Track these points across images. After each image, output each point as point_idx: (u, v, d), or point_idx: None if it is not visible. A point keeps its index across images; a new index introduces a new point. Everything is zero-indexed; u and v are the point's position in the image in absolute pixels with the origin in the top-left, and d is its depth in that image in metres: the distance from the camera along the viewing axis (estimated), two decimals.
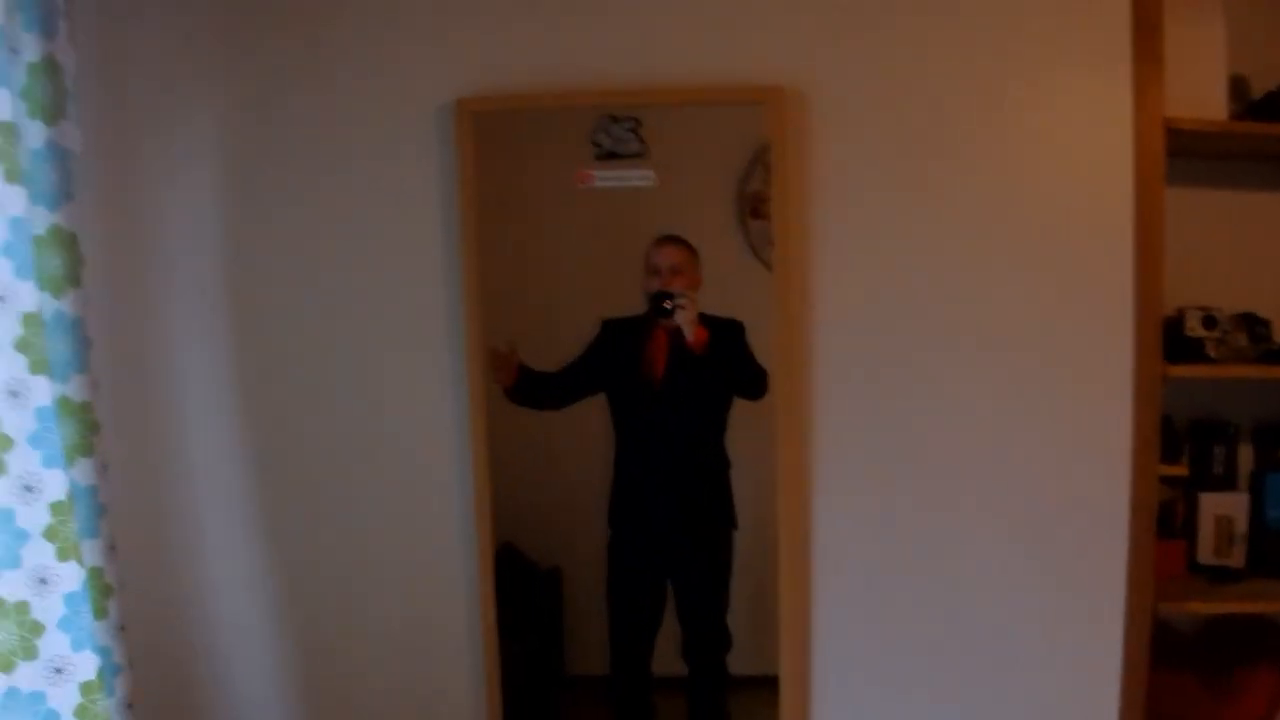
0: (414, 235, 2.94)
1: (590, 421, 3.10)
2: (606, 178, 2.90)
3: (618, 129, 2.89)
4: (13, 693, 2.04)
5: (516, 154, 2.93)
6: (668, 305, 2.93)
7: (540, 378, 3.01)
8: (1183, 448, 3.22)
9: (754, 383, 2.95)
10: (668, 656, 3.17)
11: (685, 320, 2.95)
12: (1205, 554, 3.21)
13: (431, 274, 2.94)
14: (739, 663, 3.14)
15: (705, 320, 2.97)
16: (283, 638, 3.06)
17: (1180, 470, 3.14)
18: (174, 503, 3.01)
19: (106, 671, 2.20)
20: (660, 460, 3.12)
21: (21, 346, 2.03)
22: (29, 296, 2.04)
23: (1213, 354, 3.05)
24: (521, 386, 2.98)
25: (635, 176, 2.89)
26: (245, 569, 3.04)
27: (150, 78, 2.93)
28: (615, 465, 3.11)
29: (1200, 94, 3.00)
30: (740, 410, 3.02)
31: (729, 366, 2.99)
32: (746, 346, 2.98)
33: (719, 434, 3.06)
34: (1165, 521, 3.14)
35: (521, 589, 3.14)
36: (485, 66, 2.89)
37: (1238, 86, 3.13)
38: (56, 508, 2.05)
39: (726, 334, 2.98)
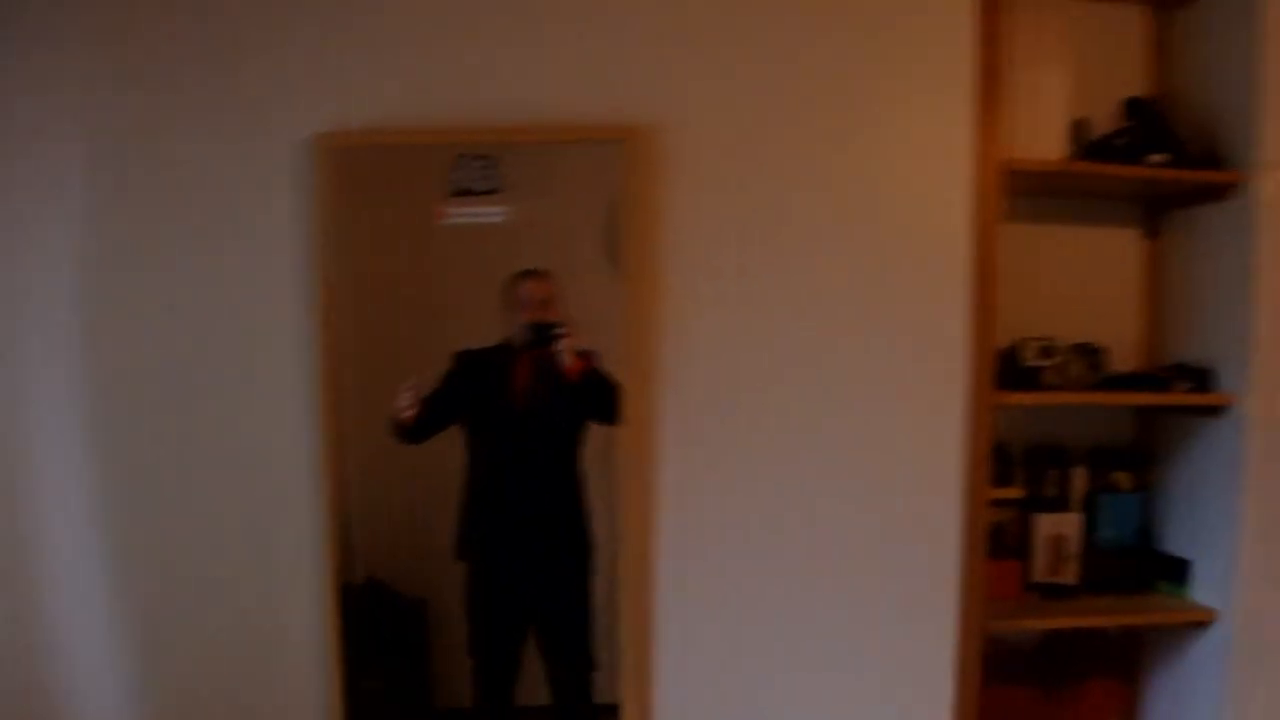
0: (271, 272, 2.92)
1: (451, 453, 3.09)
2: (460, 214, 2.94)
3: (474, 166, 2.93)
4: None
5: (377, 190, 2.96)
6: (552, 334, 2.96)
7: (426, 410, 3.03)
8: (1017, 471, 3.37)
9: (615, 407, 2.98)
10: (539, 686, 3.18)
11: (566, 348, 2.98)
12: (1039, 572, 3.36)
13: (288, 309, 2.93)
14: (606, 692, 3.14)
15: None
16: (126, 687, 3.03)
17: (1014, 492, 3.29)
18: (17, 530, 2.98)
19: None
20: (521, 489, 3.13)
21: None
22: None
23: (1050, 381, 3.19)
24: (419, 424, 2.99)
25: (487, 213, 2.94)
26: (91, 616, 3.00)
27: (5, 111, 2.90)
28: (469, 497, 3.09)
29: (1040, 136, 3.15)
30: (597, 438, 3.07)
31: (598, 392, 3.01)
32: (605, 373, 3.01)
33: (576, 458, 3.09)
34: (1000, 542, 3.30)
35: (386, 622, 3.14)
36: (344, 103, 2.90)
37: (1079, 129, 3.28)
38: None
39: (591, 360, 3.03)
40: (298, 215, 2.91)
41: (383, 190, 3.00)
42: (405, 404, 2.95)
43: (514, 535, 3.14)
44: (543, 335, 2.97)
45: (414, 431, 2.98)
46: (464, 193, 2.94)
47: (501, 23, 2.93)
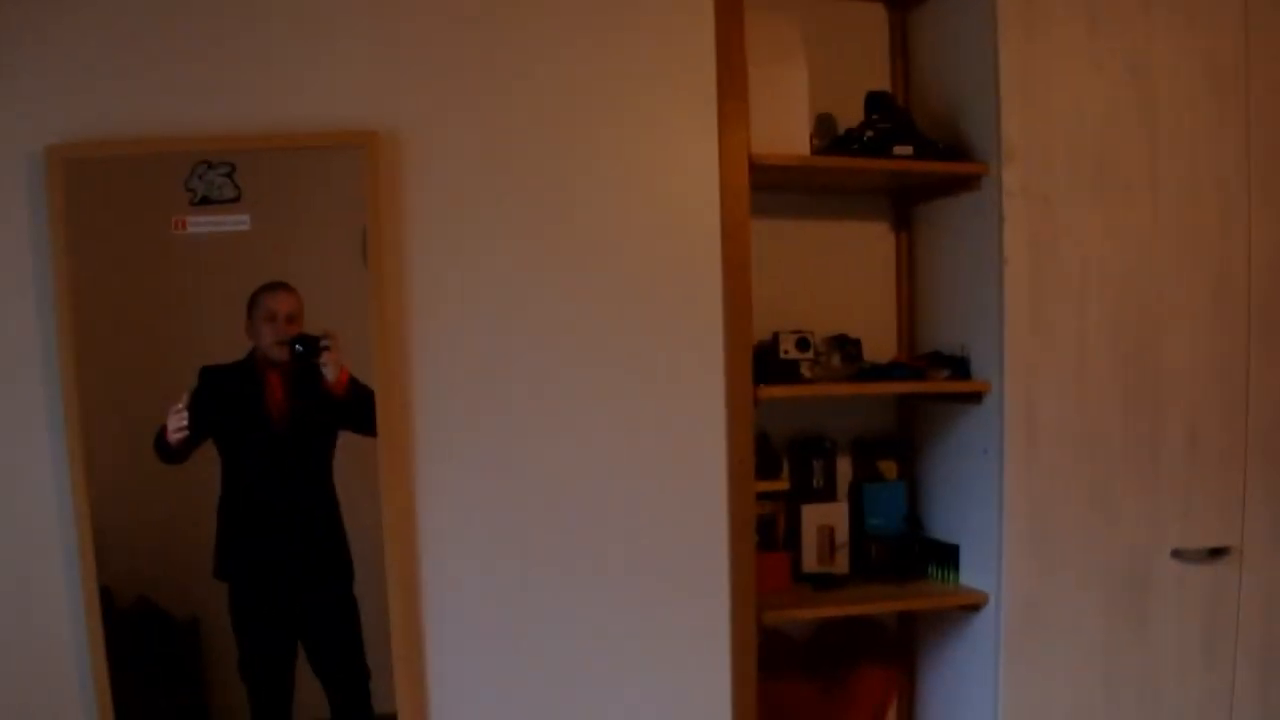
0: (9, 289, 2.80)
1: (213, 468, 2.99)
2: (200, 224, 2.86)
3: (212, 175, 2.85)
4: None
5: (114, 203, 2.86)
6: (318, 346, 2.88)
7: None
8: (782, 463, 3.40)
9: (372, 417, 2.93)
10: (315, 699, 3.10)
11: (331, 361, 2.91)
12: (810, 563, 3.40)
13: (26, 328, 2.80)
14: (384, 700, 3.08)
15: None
16: None
17: (781, 485, 3.31)
18: None
19: None
20: (276, 506, 3.06)
21: None
22: None
23: (807, 374, 3.23)
24: (186, 443, 2.89)
25: (229, 222, 2.86)
26: None
27: None
28: (221, 514, 3.00)
29: (784, 131, 3.17)
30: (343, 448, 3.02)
31: (361, 405, 2.94)
32: (364, 385, 2.96)
33: (329, 474, 3.03)
34: (768, 534, 3.32)
35: (157, 643, 3.04)
36: (77, 113, 2.79)
37: (825, 124, 3.34)
38: None
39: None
40: (34, 229, 2.79)
41: (122, 202, 2.90)
42: (175, 426, 2.86)
43: (271, 552, 3.07)
44: (309, 349, 2.90)
45: (178, 452, 2.89)
46: (204, 201, 2.85)
47: (238, 28, 2.86)
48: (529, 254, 2.98)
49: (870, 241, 3.61)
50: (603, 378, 3.02)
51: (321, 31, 2.89)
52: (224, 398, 2.98)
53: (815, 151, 3.26)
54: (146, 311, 2.95)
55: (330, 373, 2.92)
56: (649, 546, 3.05)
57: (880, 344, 3.51)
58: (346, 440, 2.99)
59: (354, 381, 2.94)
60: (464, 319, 2.96)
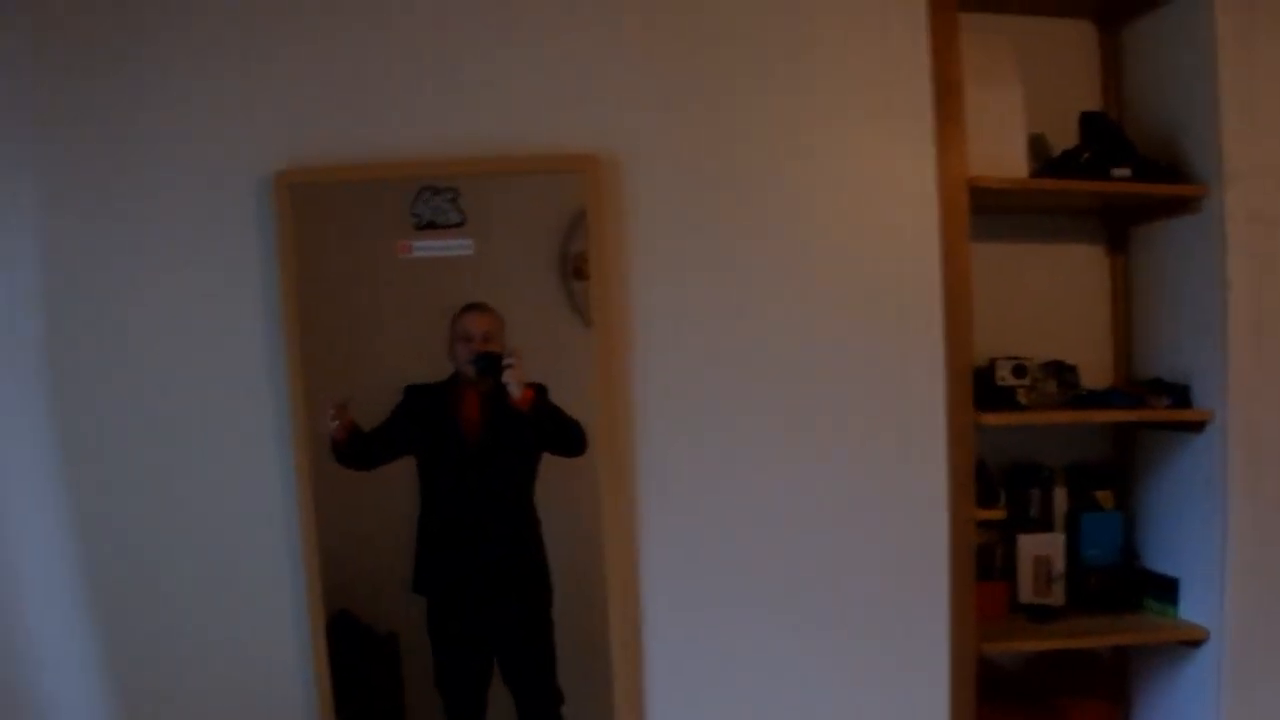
0: (236, 308, 2.88)
1: (413, 482, 3.05)
2: (425, 247, 2.90)
3: (437, 200, 2.88)
4: None
5: (338, 226, 2.91)
6: (500, 365, 2.90)
7: (366, 437, 2.97)
8: (999, 492, 3.29)
9: (576, 439, 2.95)
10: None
11: (514, 379, 2.93)
12: (1026, 593, 3.29)
13: (255, 347, 2.89)
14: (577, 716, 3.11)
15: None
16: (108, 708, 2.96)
17: (998, 514, 3.21)
18: None
19: None
20: (474, 523, 3.08)
21: None
22: None
23: (1024, 401, 3.14)
24: (351, 443, 2.94)
25: (454, 246, 2.89)
26: (72, 651, 2.91)
27: None
28: (420, 530, 3.05)
29: (1001, 153, 3.10)
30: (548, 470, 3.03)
31: (554, 424, 2.98)
32: (556, 405, 2.98)
33: (530, 494, 3.04)
34: (986, 563, 3.23)
35: (358, 656, 3.06)
36: (304, 139, 2.86)
37: (1038, 145, 3.26)
38: None
39: (541, 394, 2.99)
40: (263, 253, 2.87)
41: (345, 225, 2.95)
42: (329, 419, 2.91)
43: (469, 569, 3.09)
44: (489, 367, 2.92)
45: (351, 456, 2.94)
46: (428, 226, 2.89)
47: (460, 56, 2.90)
48: (745, 276, 2.96)
49: (1084, 265, 3.49)
50: (820, 401, 2.98)
51: (541, 57, 2.91)
52: (423, 415, 3.02)
53: (1031, 174, 3.17)
54: (362, 330, 3.00)
55: (514, 390, 2.93)
56: (867, 573, 2.99)
57: (1096, 369, 3.40)
58: (554, 462, 3.00)
59: (539, 400, 2.96)
60: (680, 340, 2.96)
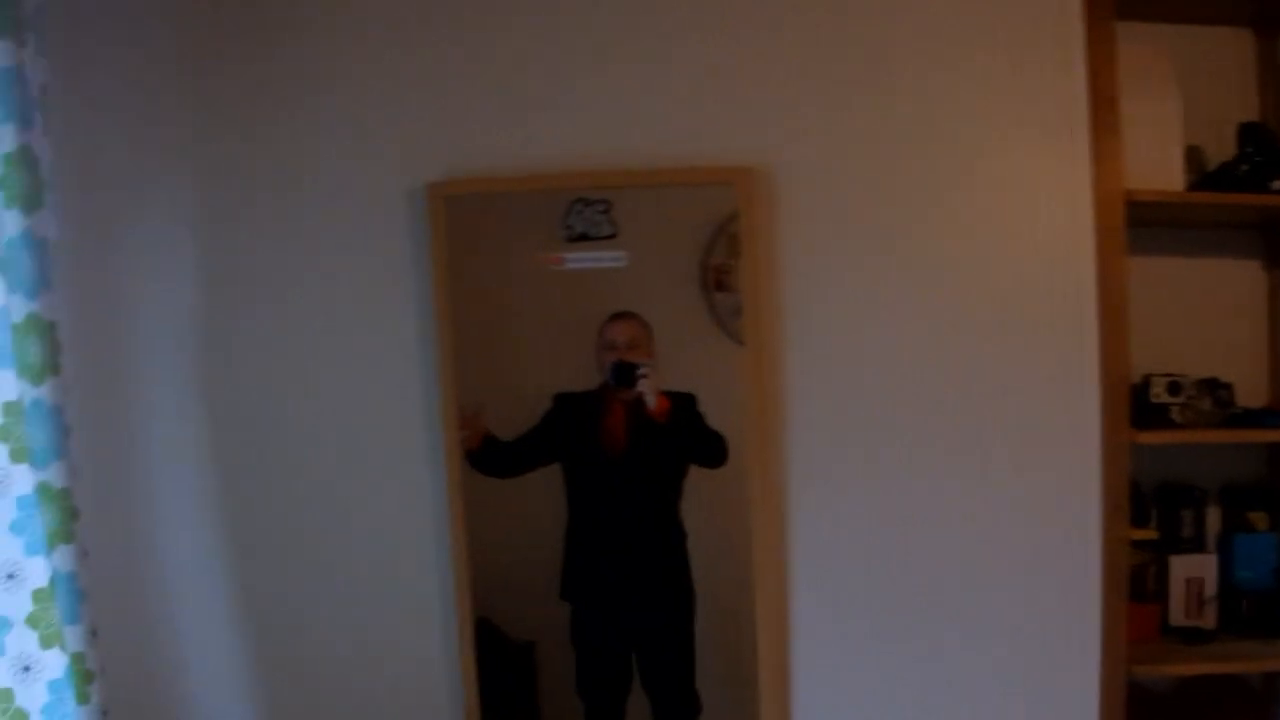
0: (388, 317, 2.92)
1: (558, 492, 3.07)
2: (577, 260, 2.91)
3: (590, 212, 2.89)
4: None
5: (489, 237, 2.93)
6: (634, 374, 2.91)
7: (503, 445, 2.99)
8: (1151, 511, 3.22)
9: (717, 450, 2.95)
10: None
11: (649, 388, 2.93)
12: (1177, 616, 3.20)
13: (407, 354, 2.92)
14: None
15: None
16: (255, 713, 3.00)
17: (1150, 534, 3.15)
18: (155, 588, 2.94)
19: None
20: (620, 532, 3.09)
21: (2, 435, 2.00)
22: (8, 384, 2.02)
23: (1178, 419, 3.05)
24: (485, 451, 2.96)
25: (607, 258, 2.90)
26: (224, 653, 2.97)
27: (123, 167, 2.89)
28: (569, 538, 3.07)
29: (1158, 165, 3.03)
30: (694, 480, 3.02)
31: (692, 434, 2.98)
32: (701, 416, 2.98)
33: (676, 505, 3.05)
34: (1137, 584, 3.14)
35: (495, 664, 3.08)
36: (456, 150, 2.89)
37: (1193, 157, 3.17)
38: (38, 595, 2.03)
39: (683, 404, 2.99)
40: (415, 263, 2.90)
41: (498, 236, 2.97)
42: (462, 427, 2.94)
43: (614, 578, 3.11)
44: (624, 376, 2.93)
45: (488, 463, 2.97)
46: (580, 238, 2.90)
47: (613, 69, 2.92)
48: (895, 289, 2.94)
49: (1240, 280, 3.37)
50: (973, 417, 2.95)
51: (694, 69, 2.92)
52: (571, 423, 3.03)
53: (1187, 186, 3.08)
54: (517, 340, 3.03)
55: (649, 400, 2.94)
56: (1016, 592, 2.96)
57: (1251, 387, 3.28)
58: (704, 474, 3.00)
59: (677, 411, 2.96)
60: (830, 354, 2.95)
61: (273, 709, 2.99)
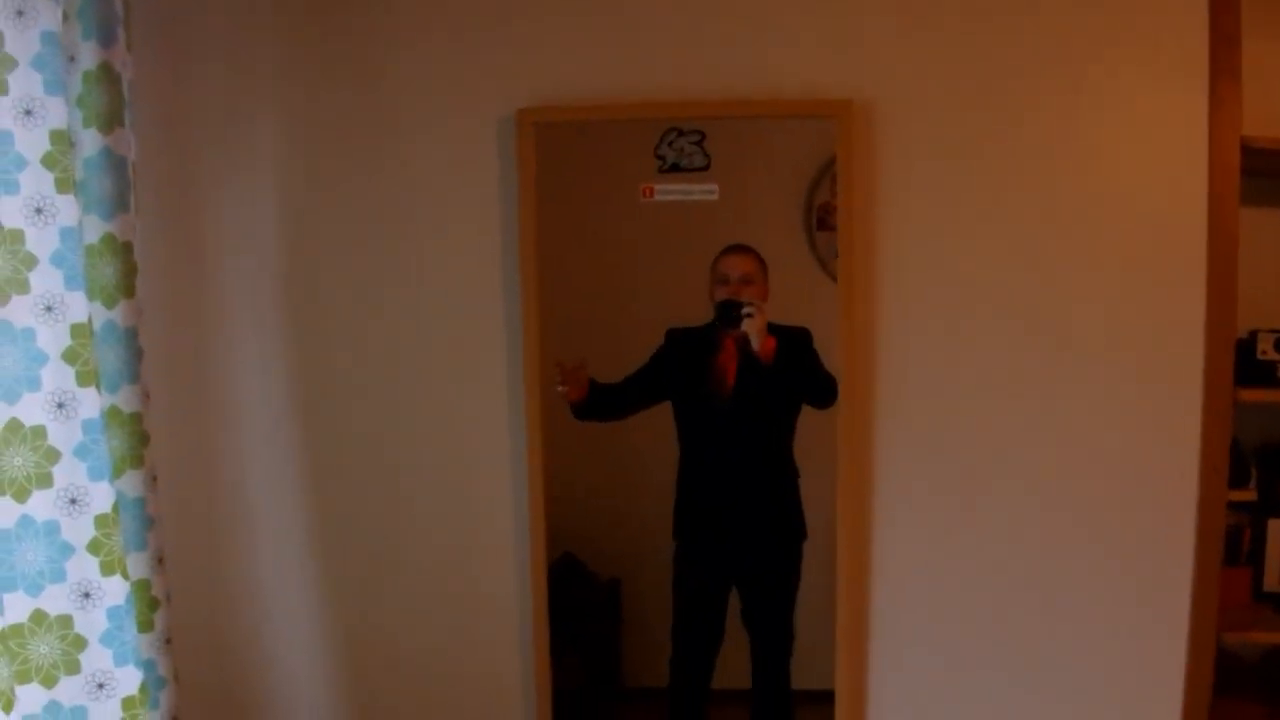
0: (475, 248, 2.82)
1: (651, 431, 2.97)
2: (669, 191, 2.78)
3: (682, 142, 2.76)
4: (54, 707, 1.92)
5: (580, 167, 2.81)
6: (738, 313, 2.81)
7: (607, 390, 2.90)
8: (1251, 472, 3.02)
9: (824, 391, 2.80)
10: (729, 670, 3.04)
11: (753, 328, 2.83)
12: (1272, 582, 3.02)
13: (492, 286, 2.82)
14: (803, 677, 3.01)
15: (773, 329, 2.85)
16: (333, 652, 2.95)
17: (1248, 495, 2.96)
18: (227, 515, 2.91)
19: (151, 685, 2.10)
20: (729, 471, 2.99)
21: (69, 357, 1.91)
22: (78, 306, 1.93)
23: None
24: (590, 401, 2.88)
25: (699, 190, 2.77)
26: (295, 584, 2.93)
27: (208, 89, 2.81)
28: (679, 476, 2.98)
29: (1277, 112, 2.82)
30: (812, 419, 2.88)
31: (798, 375, 2.87)
32: (815, 355, 2.85)
33: (787, 443, 2.94)
34: (1231, 548, 2.96)
35: (580, 600, 3.04)
36: (546, 77, 2.76)
37: None
38: (101, 521, 1.93)
39: (795, 342, 2.86)
40: (504, 193, 2.79)
41: (589, 166, 2.86)
42: (558, 383, 2.85)
43: (723, 518, 3.02)
44: (729, 315, 2.83)
45: (595, 410, 2.90)
46: (672, 169, 2.77)
47: None
48: (998, 231, 2.77)
49: None
50: (1068, 365, 2.78)
51: (792, 2, 2.75)
52: (682, 360, 2.94)
53: None
54: (608, 272, 2.94)
55: (754, 340, 2.83)
56: (1106, 549, 2.80)
57: None
58: (818, 413, 2.86)
59: (786, 350, 2.85)
60: (928, 293, 2.80)
61: (344, 641, 2.95)
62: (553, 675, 2.90)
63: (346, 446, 2.89)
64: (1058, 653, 2.83)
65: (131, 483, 2.10)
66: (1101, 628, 2.81)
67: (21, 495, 1.87)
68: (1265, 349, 2.86)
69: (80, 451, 1.92)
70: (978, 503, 2.82)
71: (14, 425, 1.86)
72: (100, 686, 1.96)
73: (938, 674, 2.87)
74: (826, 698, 2.89)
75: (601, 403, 2.91)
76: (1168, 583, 2.77)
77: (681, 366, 2.94)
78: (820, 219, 2.84)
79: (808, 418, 2.89)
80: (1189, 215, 2.71)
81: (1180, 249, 2.72)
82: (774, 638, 3.02)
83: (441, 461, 2.89)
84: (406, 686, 2.96)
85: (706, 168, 2.76)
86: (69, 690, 1.94)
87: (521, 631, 2.91)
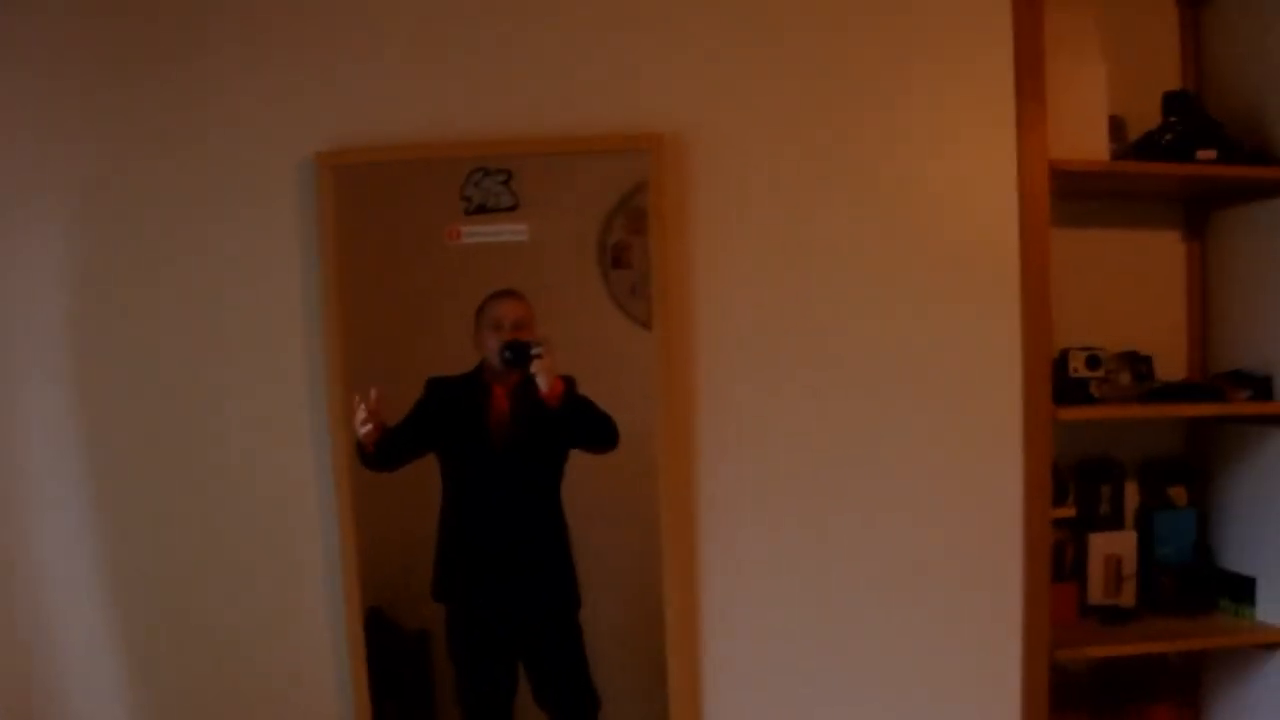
0: (274, 297, 2.70)
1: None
2: (476, 234, 2.69)
3: (489, 182, 2.67)
4: None
5: (384, 210, 2.72)
6: (528, 354, 2.68)
7: (391, 435, 2.74)
8: (1069, 488, 3.07)
9: (608, 434, 2.72)
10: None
11: (542, 369, 2.68)
12: (1095, 594, 3.06)
13: (294, 339, 2.70)
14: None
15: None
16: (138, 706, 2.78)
17: (1068, 512, 3.01)
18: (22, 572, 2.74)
19: None
20: (499, 524, 2.85)
21: None
22: None
23: (1096, 394, 2.89)
24: (382, 445, 2.71)
25: (507, 231, 2.69)
26: (93, 646, 2.75)
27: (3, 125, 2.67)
28: (440, 533, 2.82)
29: (1082, 134, 2.84)
30: (584, 466, 2.79)
31: (583, 418, 2.75)
32: (588, 399, 2.75)
33: (557, 492, 2.81)
34: (1056, 563, 2.98)
35: (389, 654, 2.87)
36: (347, 119, 2.66)
37: (1115, 127, 2.99)
38: None
39: (570, 386, 2.76)
40: (304, 239, 2.68)
41: (392, 210, 2.76)
42: (359, 420, 2.67)
43: (493, 574, 2.87)
44: (518, 355, 2.69)
45: (378, 457, 2.71)
46: (479, 210, 2.68)
47: (512, 32, 2.69)
48: (814, 259, 2.75)
49: (1159, 251, 3.22)
50: (891, 392, 2.76)
51: (597, 31, 2.71)
52: (446, 410, 2.80)
53: (1111, 156, 2.91)
54: (404, 320, 2.82)
55: (543, 382, 2.69)
56: (936, 574, 2.79)
57: (1170, 360, 3.14)
58: (578, 458, 2.79)
59: (570, 393, 2.73)
60: (743, 328, 2.75)
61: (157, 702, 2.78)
62: None
63: (147, 502, 2.74)
64: (892, 681, 2.81)
65: None
66: (934, 653, 2.79)
67: None
68: (1077, 366, 2.88)
69: None
70: (802, 538, 2.78)
71: None
72: None
73: (780, 710, 2.82)
74: None
75: (387, 448, 2.74)
76: (998, 603, 2.76)
77: (447, 416, 2.80)
78: (615, 257, 2.77)
79: (580, 465, 2.80)
80: (1002, 238, 2.73)
81: (994, 272, 2.74)
82: (572, 704, 2.89)
83: (245, 525, 2.75)
84: None
85: (514, 207, 2.69)
86: None
87: (340, 691, 2.77)
